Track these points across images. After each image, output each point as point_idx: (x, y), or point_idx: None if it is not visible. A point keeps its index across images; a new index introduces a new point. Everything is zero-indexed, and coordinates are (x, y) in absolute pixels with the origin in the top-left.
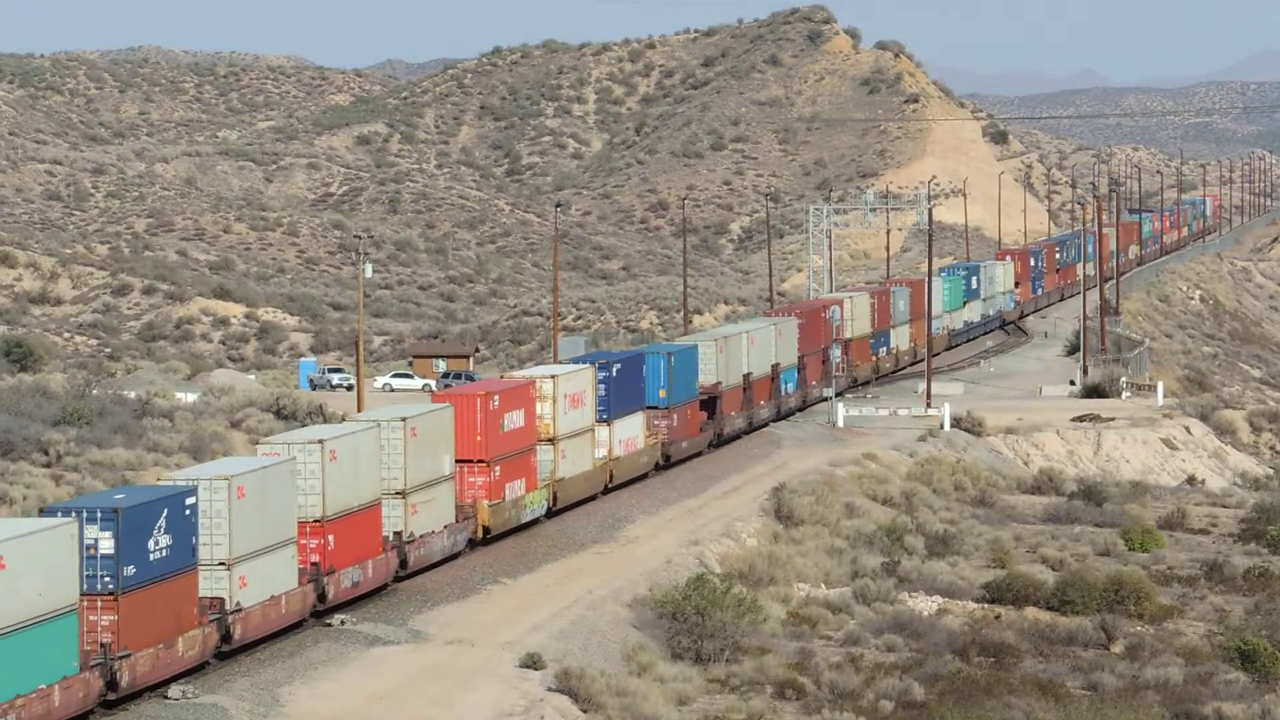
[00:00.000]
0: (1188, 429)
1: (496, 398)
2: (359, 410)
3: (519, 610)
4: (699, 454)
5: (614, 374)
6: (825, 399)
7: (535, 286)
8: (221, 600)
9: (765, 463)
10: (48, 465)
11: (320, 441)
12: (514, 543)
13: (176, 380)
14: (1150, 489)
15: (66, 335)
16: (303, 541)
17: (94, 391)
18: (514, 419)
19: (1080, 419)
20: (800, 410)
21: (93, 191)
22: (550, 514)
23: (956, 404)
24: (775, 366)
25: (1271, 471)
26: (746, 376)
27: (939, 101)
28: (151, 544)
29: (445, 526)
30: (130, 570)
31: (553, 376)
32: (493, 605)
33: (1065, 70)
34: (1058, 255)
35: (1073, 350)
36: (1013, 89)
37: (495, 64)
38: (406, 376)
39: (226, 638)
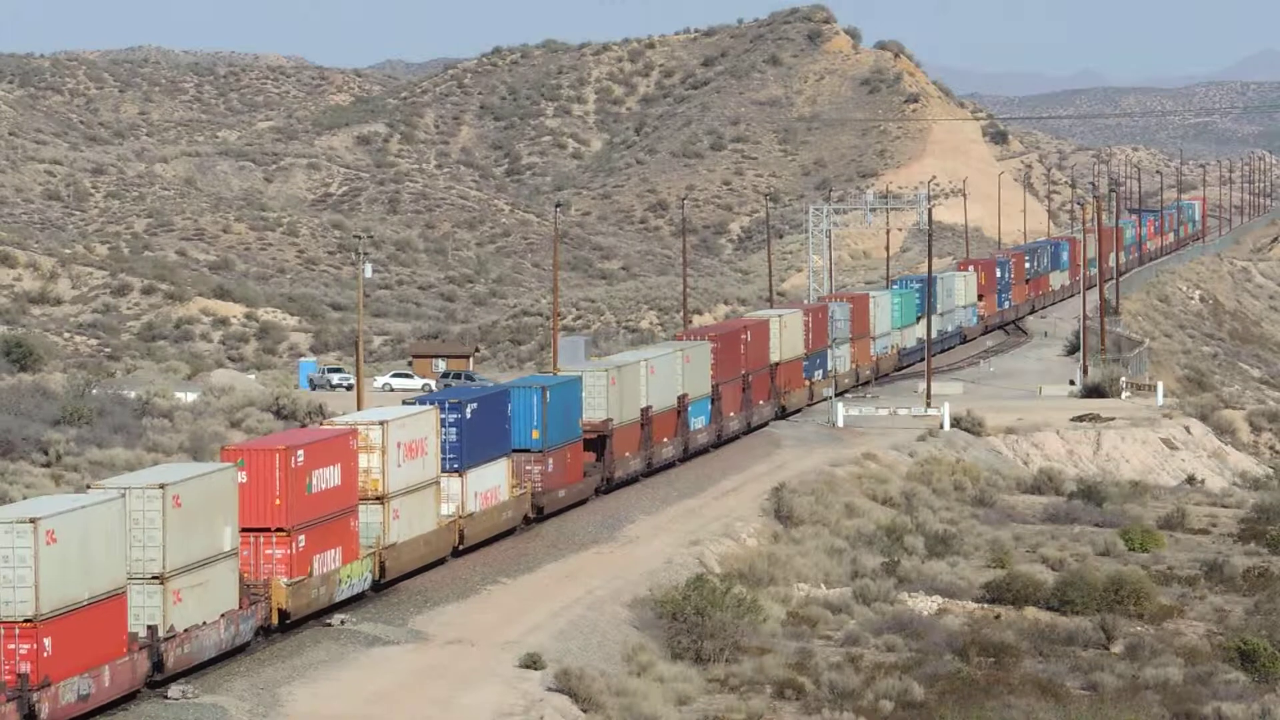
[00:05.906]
0: (1188, 429)
1: (301, 452)
2: (358, 409)
3: (519, 610)
4: (583, 502)
5: (468, 415)
6: (750, 430)
7: (535, 286)
8: None
9: (765, 462)
10: (47, 465)
11: (32, 520)
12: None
13: (176, 380)
14: (1150, 489)
15: (66, 335)
16: (10, 647)
17: (94, 391)
18: (327, 476)
19: (1080, 419)
20: (716, 447)
21: (93, 191)
22: (377, 587)
23: (956, 404)
24: (682, 398)
25: (1271, 471)
26: (645, 411)
27: (939, 101)
28: None
29: (223, 615)
30: None
31: (381, 423)
32: (493, 605)
33: (1065, 70)
34: (1027, 265)
35: (1072, 350)
36: (1013, 89)
37: (495, 64)
38: (406, 376)
39: None
